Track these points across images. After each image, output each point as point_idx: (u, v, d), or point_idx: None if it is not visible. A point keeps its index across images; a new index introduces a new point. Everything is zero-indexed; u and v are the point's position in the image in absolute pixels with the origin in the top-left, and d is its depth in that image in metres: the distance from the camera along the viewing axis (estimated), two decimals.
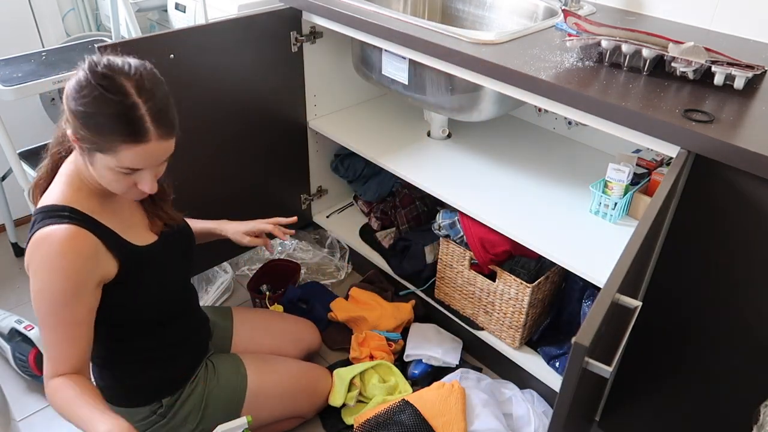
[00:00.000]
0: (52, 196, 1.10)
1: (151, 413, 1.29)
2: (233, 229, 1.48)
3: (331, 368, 1.67)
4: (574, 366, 0.71)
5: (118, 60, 1.02)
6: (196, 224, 1.44)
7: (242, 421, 1.28)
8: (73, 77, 1.01)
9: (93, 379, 1.29)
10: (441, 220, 1.66)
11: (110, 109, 0.98)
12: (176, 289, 1.31)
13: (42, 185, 1.16)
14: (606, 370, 0.72)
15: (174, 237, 1.29)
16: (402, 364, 1.74)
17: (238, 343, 1.55)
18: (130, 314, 1.20)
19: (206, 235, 1.48)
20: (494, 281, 1.59)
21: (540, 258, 1.56)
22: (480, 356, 1.80)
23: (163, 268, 1.24)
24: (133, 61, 1.03)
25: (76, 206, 1.09)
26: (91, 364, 1.26)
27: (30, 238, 1.07)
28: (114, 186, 1.07)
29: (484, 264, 1.58)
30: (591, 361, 0.72)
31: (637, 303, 0.82)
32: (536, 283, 1.51)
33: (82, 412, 1.06)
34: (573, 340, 0.69)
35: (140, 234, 1.21)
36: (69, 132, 1.03)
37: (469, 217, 1.56)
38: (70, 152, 1.14)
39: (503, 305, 1.59)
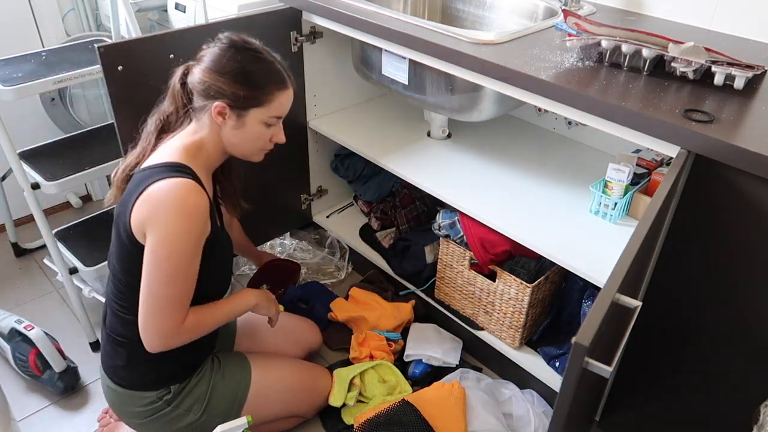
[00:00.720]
0: (171, 155, 1.19)
1: (158, 399, 1.30)
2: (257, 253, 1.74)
3: (331, 368, 1.67)
4: (574, 366, 0.71)
5: (237, 35, 1.22)
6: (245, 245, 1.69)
7: (242, 421, 1.28)
8: (209, 54, 1.19)
9: (107, 360, 1.31)
10: (441, 220, 1.66)
11: (263, 64, 1.21)
12: (228, 274, 1.40)
13: (131, 167, 1.25)
14: (606, 370, 0.72)
15: (227, 234, 1.38)
16: (402, 364, 1.74)
17: (240, 342, 1.55)
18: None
19: (243, 249, 1.70)
20: (494, 281, 1.59)
21: (540, 258, 1.56)
22: (480, 356, 1.80)
23: (227, 250, 1.35)
24: (235, 36, 1.23)
25: (195, 169, 1.20)
26: (110, 342, 1.30)
27: (148, 186, 1.13)
28: (257, 144, 1.26)
29: (484, 264, 1.58)
30: (591, 361, 0.72)
31: (637, 303, 0.82)
32: (536, 283, 1.51)
33: (228, 305, 1.31)
34: (573, 340, 0.69)
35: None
36: (217, 104, 1.17)
37: (469, 217, 1.56)
38: (166, 137, 1.25)
39: (503, 305, 1.60)
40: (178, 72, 1.24)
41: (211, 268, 1.25)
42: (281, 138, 1.29)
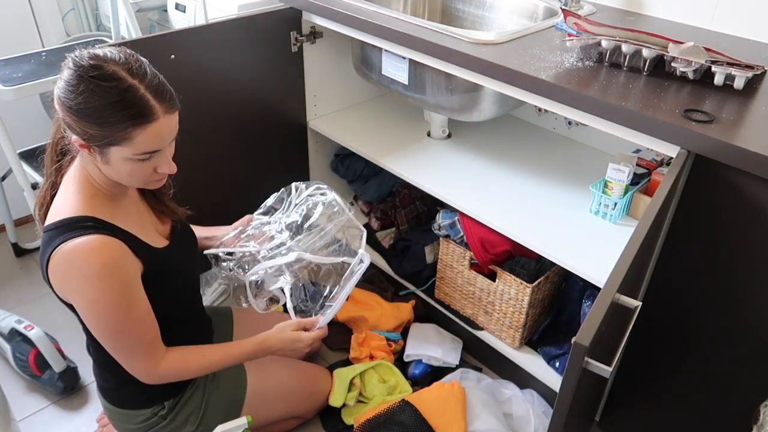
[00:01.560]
0: (68, 208, 1.07)
1: (153, 415, 1.29)
2: (225, 231, 1.47)
3: (331, 368, 1.67)
4: (574, 366, 0.71)
5: (98, 51, 1.00)
6: (199, 231, 1.44)
7: (242, 421, 1.28)
8: (60, 80, 0.98)
9: (98, 380, 1.29)
10: (441, 220, 1.66)
11: (111, 97, 0.96)
12: (191, 290, 1.32)
13: (47, 203, 1.13)
14: (606, 370, 0.72)
15: (183, 239, 1.30)
16: (402, 364, 1.74)
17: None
18: None
19: (206, 241, 1.47)
20: (494, 281, 1.59)
21: (540, 258, 1.56)
22: (480, 356, 1.80)
23: (180, 270, 1.24)
24: (113, 49, 1.02)
25: (95, 214, 1.07)
26: (97, 365, 1.26)
27: (52, 254, 1.04)
28: (135, 177, 1.06)
29: (484, 264, 1.58)
30: (591, 361, 0.72)
31: (636, 303, 0.82)
32: (536, 283, 1.51)
33: (242, 348, 1.25)
34: (573, 340, 0.69)
35: (154, 237, 1.20)
36: (74, 138, 1.01)
37: (469, 217, 1.56)
38: (70, 162, 1.12)
39: (503, 305, 1.59)
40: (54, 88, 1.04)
41: (164, 296, 1.18)
42: (167, 169, 1.08)
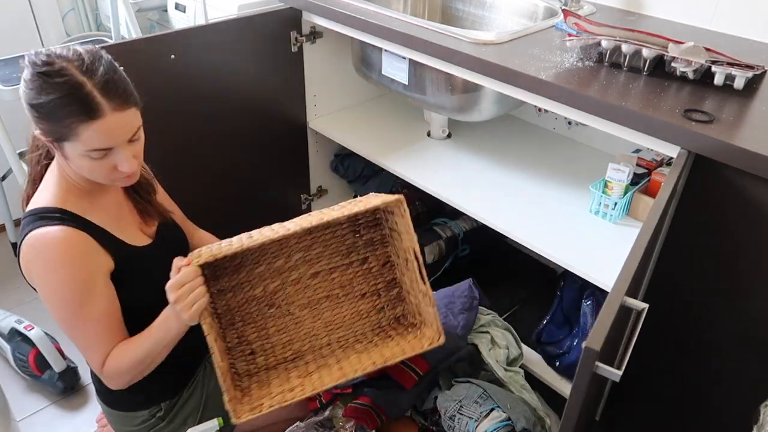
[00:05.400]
0: (42, 198, 1.10)
1: (150, 416, 1.29)
2: None
3: None
4: (585, 370, 0.71)
5: (58, 49, 1.02)
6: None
7: (212, 423, 1.27)
8: (21, 78, 1.02)
9: (95, 383, 1.29)
10: None
11: (56, 92, 0.98)
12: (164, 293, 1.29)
13: (31, 195, 1.15)
14: (616, 373, 0.72)
15: (169, 238, 1.28)
16: None
17: None
18: (126, 315, 1.17)
19: None
20: None
21: None
22: None
23: (158, 270, 1.18)
24: (78, 47, 1.03)
25: (66, 207, 1.09)
26: (89, 368, 1.25)
27: (21, 242, 1.07)
28: (96, 173, 1.06)
29: None
30: (601, 365, 0.72)
31: (644, 305, 0.82)
32: None
33: (152, 334, 1.12)
34: (583, 344, 0.69)
35: (134, 234, 1.20)
36: (37, 133, 1.03)
37: None
38: (51, 157, 1.13)
39: None
40: None
41: (143, 294, 1.15)
42: (125, 167, 1.06)
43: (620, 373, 0.72)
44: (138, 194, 1.25)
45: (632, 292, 0.89)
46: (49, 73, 0.98)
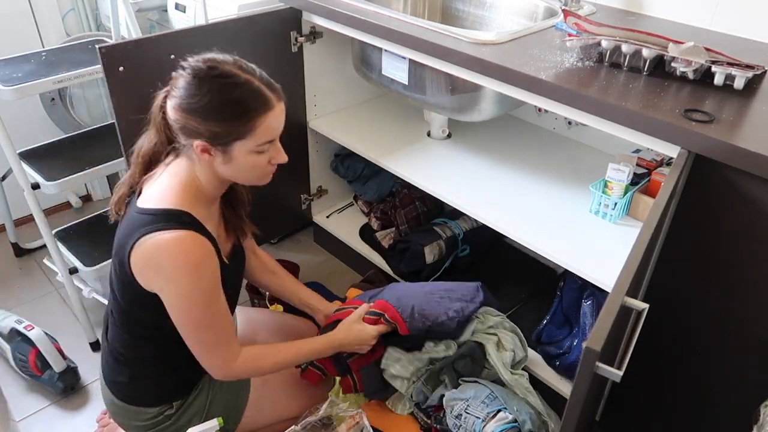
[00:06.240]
0: (168, 199, 1.11)
1: (159, 414, 1.29)
2: (326, 307, 1.50)
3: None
4: (586, 371, 0.71)
5: (207, 55, 1.09)
6: (293, 287, 1.52)
7: (213, 423, 1.28)
8: (175, 89, 1.06)
9: (109, 374, 1.30)
10: None
11: (235, 92, 1.06)
12: (233, 305, 1.33)
13: (126, 192, 1.18)
14: (617, 374, 0.72)
15: (238, 262, 1.31)
16: None
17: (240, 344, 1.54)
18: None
19: (304, 305, 1.51)
20: None
21: None
22: None
23: (231, 287, 1.26)
24: (214, 53, 1.11)
25: (192, 212, 1.12)
26: (111, 357, 1.27)
27: (143, 237, 1.06)
28: (256, 171, 1.15)
29: None
30: (602, 365, 0.72)
31: (644, 306, 0.82)
32: None
33: (314, 344, 1.30)
34: (584, 345, 0.69)
35: (224, 250, 1.23)
36: (196, 143, 1.07)
37: None
38: (156, 162, 1.17)
39: None
40: (159, 99, 1.12)
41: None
42: (281, 158, 1.18)
43: (621, 373, 0.73)
44: (233, 208, 1.28)
45: (632, 292, 0.89)
46: (220, 75, 1.06)
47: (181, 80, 1.06)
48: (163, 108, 1.10)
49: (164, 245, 1.06)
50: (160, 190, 1.13)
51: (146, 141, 1.17)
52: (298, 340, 1.32)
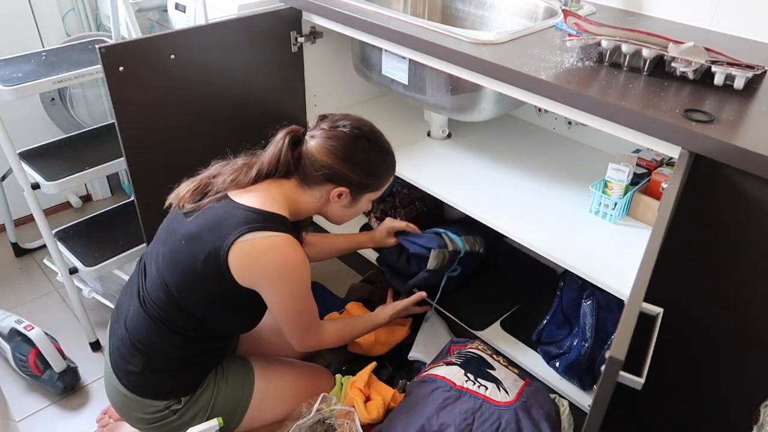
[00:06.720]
0: (270, 205, 1.22)
1: (165, 408, 1.30)
2: (379, 235, 1.73)
3: (330, 367, 1.66)
4: (609, 380, 0.70)
5: (361, 121, 1.30)
6: (333, 241, 1.74)
7: (213, 423, 1.28)
8: (335, 140, 1.24)
9: (120, 362, 1.30)
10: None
11: (389, 156, 1.34)
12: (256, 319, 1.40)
13: (201, 190, 1.28)
14: (638, 381, 0.72)
15: None
16: (403, 361, 1.73)
17: (242, 346, 1.55)
18: (229, 323, 1.31)
19: (343, 250, 1.77)
20: None
21: None
22: None
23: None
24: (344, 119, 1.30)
25: (290, 220, 1.26)
26: (128, 346, 1.28)
27: (247, 233, 1.15)
28: (357, 213, 1.38)
29: None
30: (624, 374, 0.71)
31: (658, 309, 0.82)
32: None
33: (378, 318, 1.56)
34: (608, 354, 0.68)
35: None
36: (337, 189, 1.27)
37: None
38: (270, 176, 1.28)
39: None
40: (284, 137, 1.26)
41: (262, 309, 1.31)
42: (369, 205, 1.41)
43: (642, 380, 0.72)
44: (298, 228, 1.37)
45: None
46: (381, 142, 1.32)
47: (343, 134, 1.24)
48: (292, 145, 1.26)
49: (273, 245, 1.18)
50: (259, 196, 1.23)
51: (262, 160, 1.28)
52: (365, 316, 1.59)
